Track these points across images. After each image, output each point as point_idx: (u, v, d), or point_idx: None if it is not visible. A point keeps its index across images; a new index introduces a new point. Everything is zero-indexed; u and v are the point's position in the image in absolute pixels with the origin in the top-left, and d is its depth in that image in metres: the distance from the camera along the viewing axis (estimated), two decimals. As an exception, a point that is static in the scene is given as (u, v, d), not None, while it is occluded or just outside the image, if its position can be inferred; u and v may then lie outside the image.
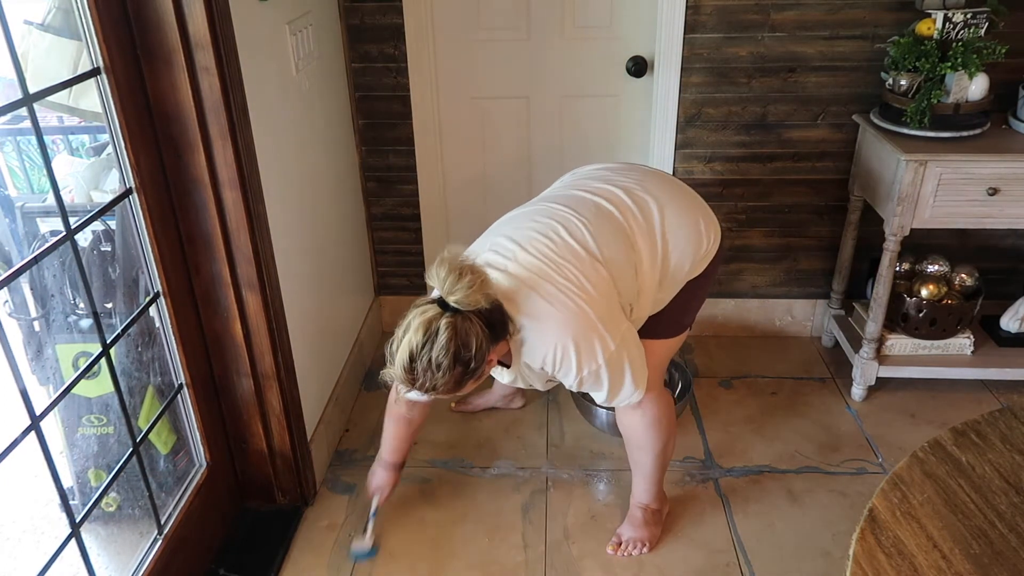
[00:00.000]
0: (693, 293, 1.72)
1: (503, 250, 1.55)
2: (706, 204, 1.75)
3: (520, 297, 1.47)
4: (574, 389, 1.60)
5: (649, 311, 1.67)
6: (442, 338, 1.35)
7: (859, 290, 2.66)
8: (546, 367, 1.53)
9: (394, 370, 1.43)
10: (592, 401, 2.23)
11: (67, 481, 1.81)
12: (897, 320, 2.34)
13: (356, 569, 1.86)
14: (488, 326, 1.40)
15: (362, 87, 2.47)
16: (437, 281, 1.37)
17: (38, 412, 1.30)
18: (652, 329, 1.71)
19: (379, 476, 1.94)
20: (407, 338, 1.39)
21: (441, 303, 1.38)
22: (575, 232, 1.56)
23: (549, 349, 1.49)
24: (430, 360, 1.37)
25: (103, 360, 1.51)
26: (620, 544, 1.88)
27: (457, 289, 1.35)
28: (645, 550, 1.87)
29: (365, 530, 1.92)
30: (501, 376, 1.70)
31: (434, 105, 2.49)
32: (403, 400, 1.83)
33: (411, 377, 1.40)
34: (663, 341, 1.74)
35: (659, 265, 1.62)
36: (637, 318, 1.65)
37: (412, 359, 1.38)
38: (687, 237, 1.65)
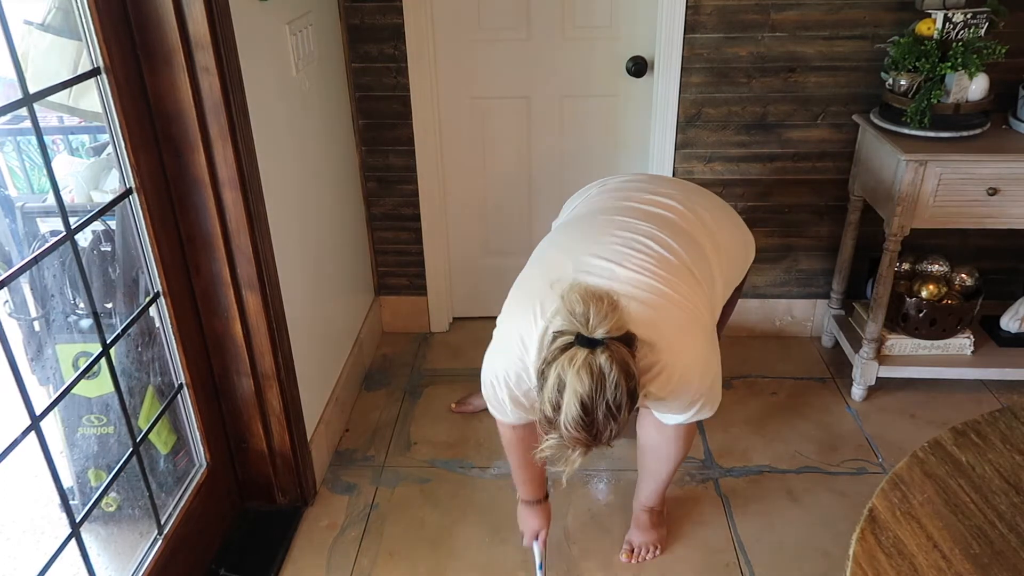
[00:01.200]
0: (731, 302, 1.71)
1: (596, 270, 1.39)
2: (734, 211, 1.77)
3: (649, 318, 1.32)
4: (678, 416, 1.50)
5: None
6: (612, 375, 1.19)
7: (859, 290, 2.66)
8: (686, 390, 1.40)
9: (566, 434, 1.24)
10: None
11: (67, 481, 1.81)
12: (897, 320, 2.34)
13: (356, 569, 1.86)
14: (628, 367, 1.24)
15: (362, 87, 2.47)
16: (574, 318, 1.22)
17: (38, 412, 1.30)
18: None
19: (530, 518, 1.76)
20: (569, 392, 1.19)
21: (582, 341, 1.21)
22: (664, 243, 1.44)
23: (694, 370, 1.38)
24: (608, 404, 1.20)
25: (103, 360, 1.51)
26: (633, 551, 1.87)
27: (604, 320, 1.20)
28: (658, 552, 1.87)
29: None
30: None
31: (434, 105, 2.49)
32: (513, 426, 1.65)
33: (590, 432, 1.23)
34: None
35: (723, 274, 1.57)
36: None
37: (587, 411, 1.20)
38: (736, 245, 1.65)
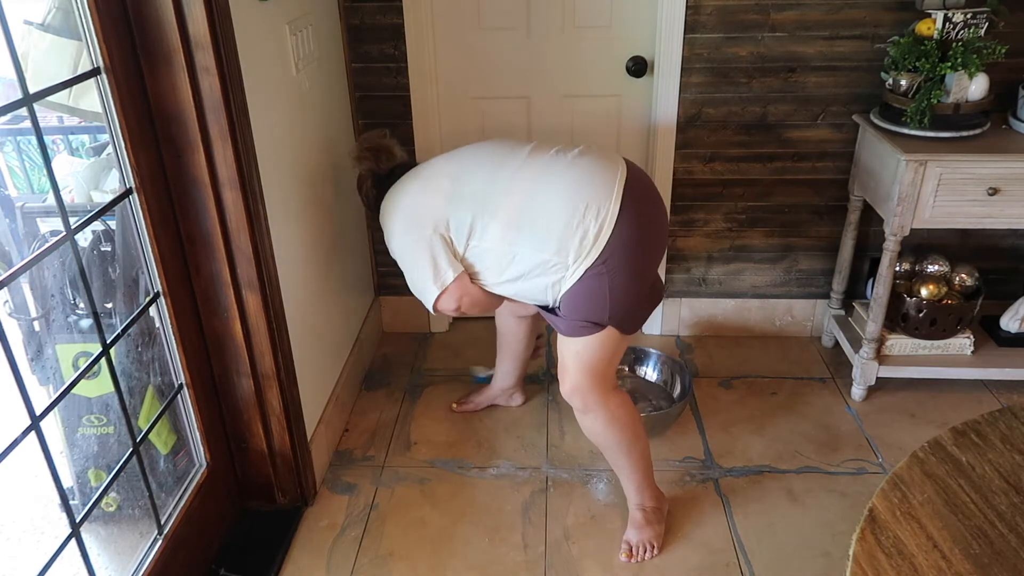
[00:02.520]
0: (590, 290, 1.67)
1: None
2: (615, 197, 1.66)
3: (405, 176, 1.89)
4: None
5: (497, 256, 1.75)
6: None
7: (859, 290, 2.66)
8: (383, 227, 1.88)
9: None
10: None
11: (67, 481, 1.81)
12: (897, 320, 2.34)
13: (356, 569, 1.86)
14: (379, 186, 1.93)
15: (362, 87, 2.47)
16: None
17: (38, 412, 1.30)
18: (559, 324, 1.76)
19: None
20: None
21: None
22: (481, 144, 1.88)
23: (384, 213, 1.88)
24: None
25: (103, 360, 1.51)
26: (632, 551, 1.87)
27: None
28: (655, 551, 1.87)
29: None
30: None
31: (434, 105, 2.49)
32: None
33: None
34: (573, 340, 1.74)
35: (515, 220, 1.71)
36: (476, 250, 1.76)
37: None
38: (564, 206, 1.66)
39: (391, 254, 1.86)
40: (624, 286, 1.68)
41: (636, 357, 2.51)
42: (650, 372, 2.51)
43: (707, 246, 2.66)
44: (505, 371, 2.36)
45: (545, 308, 1.81)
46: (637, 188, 1.70)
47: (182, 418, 1.81)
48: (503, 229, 1.70)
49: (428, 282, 1.76)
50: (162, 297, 1.65)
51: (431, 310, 1.81)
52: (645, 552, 1.86)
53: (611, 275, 1.66)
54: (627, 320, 1.75)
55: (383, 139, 1.96)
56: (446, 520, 2.00)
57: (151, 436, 1.77)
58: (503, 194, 1.71)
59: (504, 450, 2.24)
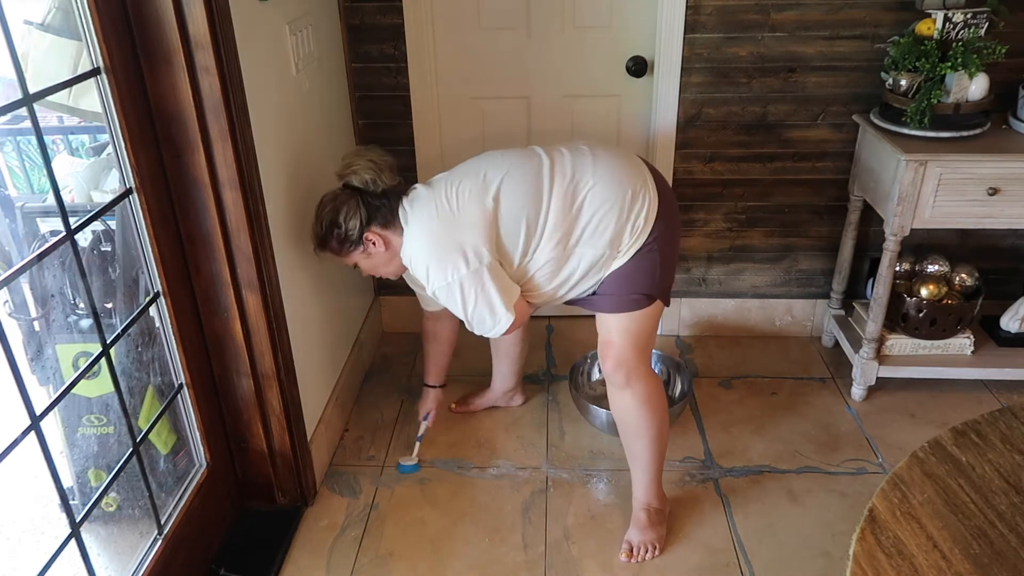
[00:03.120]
0: (642, 265, 1.73)
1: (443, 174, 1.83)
2: (648, 177, 1.75)
3: (412, 203, 1.78)
4: (434, 298, 1.81)
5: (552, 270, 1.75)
6: (325, 204, 1.81)
7: (859, 290, 2.66)
8: (411, 270, 1.80)
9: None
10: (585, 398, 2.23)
11: (67, 481, 1.81)
12: (897, 320, 2.34)
13: (356, 568, 1.86)
14: (368, 207, 1.77)
15: (362, 87, 2.47)
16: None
17: (38, 412, 1.30)
18: (604, 303, 1.78)
19: (426, 399, 2.24)
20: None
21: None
22: (489, 162, 1.76)
23: (408, 253, 1.77)
24: (316, 217, 1.82)
25: (103, 360, 1.51)
26: (632, 551, 1.87)
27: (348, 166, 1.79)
28: (656, 552, 1.87)
29: (413, 449, 2.20)
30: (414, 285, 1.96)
31: (434, 105, 2.49)
32: (426, 315, 2.13)
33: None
34: (622, 315, 1.76)
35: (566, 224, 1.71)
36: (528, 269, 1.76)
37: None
38: (611, 201, 1.68)
39: (431, 291, 1.76)
40: (668, 258, 1.77)
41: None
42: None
43: (707, 246, 2.66)
44: (503, 374, 2.36)
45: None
46: (648, 165, 1.82)
47: (182, 418, 1.81)
48: (557, 243, 1.71)
49: (487, 318, 1.74)
50: (162, 297, 1.65)
51: (494, 336, 1.81)
52: (646, 553, 1.86)
53: (660, 249, 1.73)
54: (668, 291, 1.83)
55: (383, 154, 1.83)
56: (446, 520, 2.00)
57: (151, 436, 1.76)
58: (549, 211, 1.70)
59: (504, 450, 2.24)
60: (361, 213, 1.76)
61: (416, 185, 1.83)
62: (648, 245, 1.71)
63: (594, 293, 1.80)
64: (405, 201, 1.79)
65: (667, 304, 1.82)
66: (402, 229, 1.79)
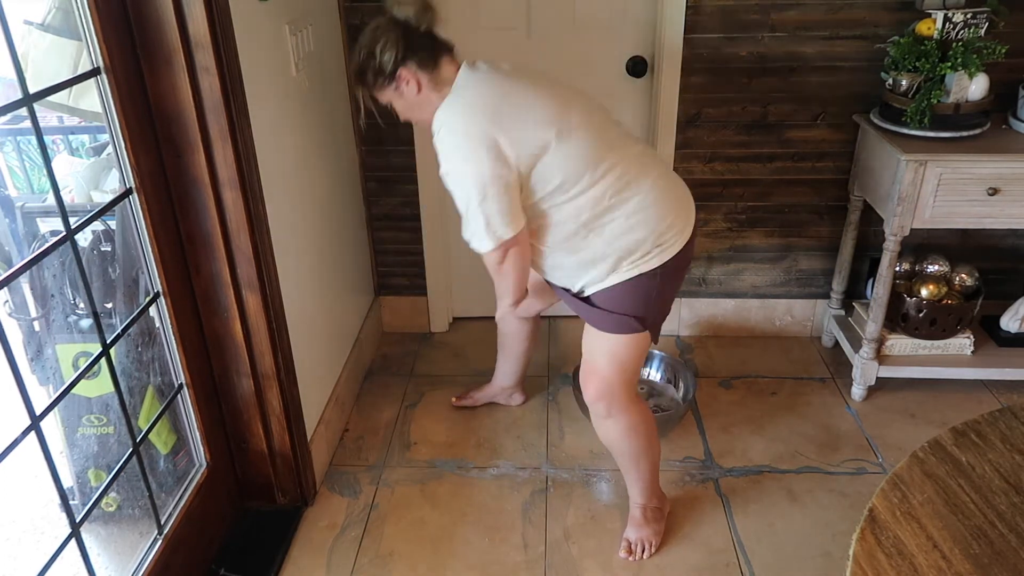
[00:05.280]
0: (639, 288, 1.66)
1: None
2: (690, 224, 1.71)
3: (472, 72, 1.63)
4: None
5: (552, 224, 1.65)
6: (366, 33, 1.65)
7: (859, 290, 2.66)
8: (435, 137, 1.62)
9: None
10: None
11: (67, 481, 1.81)
12: (897, 320, 2.34)
13: (356, 569, 1.86)
14: (407, 43, 1.60)
15: (362, 87, 2.47)
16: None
17: (38, 412, 1.30)
18: (595, 316, 1.72)
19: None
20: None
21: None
22: (579, 103, 1.65)
23: (444, 117, 1.60)
24: (355, 45, 1.68)
25: (103, 360, 1.51)
26: (631, 548, 1.88)
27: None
28: (652, 550, 1.88)
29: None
30: None
31: (434, 105, 2.49)
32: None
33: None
34: (609, 337, 1.71)
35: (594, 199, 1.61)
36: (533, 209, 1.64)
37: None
38: (649, 218, 1.62)
39: (442, 171, 1.61)
40: (666, 294, 1.72)
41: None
42: (653, 372, 2.50)
43: (707, 246, 2.66)
44: (505, 371, 2.36)
45: (573, 295, 1.76)
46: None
47: (182, 418, 1.81)
48: (579, 215, 1.61)
49: (481, 225, 1.58)
50: (162, 297, 1.65)
51: (475, 249, 1.64)
52: (644, 550, 1.87)
53: (661, 282, 1.67)
54: (658, 327, 1.76)
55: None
56: (446, 520, 2.00)
57: (151, 436, 1.77)
58: (593, 186, 1.59)
59: (504, 450, 2.24)
60: (399, 47, 1.60)
61: (481, 63, 1.67)
62: (653, 272, 1.65)
63: (587, 299, 1.72)
64: (466, 65, 1.64)
65: (655, 340, 1.77)
66: (443, 83, 1.62)
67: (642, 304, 1.68)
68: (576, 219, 1.62)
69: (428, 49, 1.62)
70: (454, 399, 2.42)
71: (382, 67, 1.62)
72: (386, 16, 1.64)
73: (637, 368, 1.79)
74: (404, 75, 1.62)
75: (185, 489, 1.79)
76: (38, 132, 1.31)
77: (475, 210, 1.57)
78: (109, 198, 1.53)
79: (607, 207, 1.61)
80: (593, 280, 1.69)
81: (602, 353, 1.74)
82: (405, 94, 1.65)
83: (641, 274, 1.65)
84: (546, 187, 1.59)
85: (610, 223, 1.62)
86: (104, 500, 1.79)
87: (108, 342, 1.51)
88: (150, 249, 1.60)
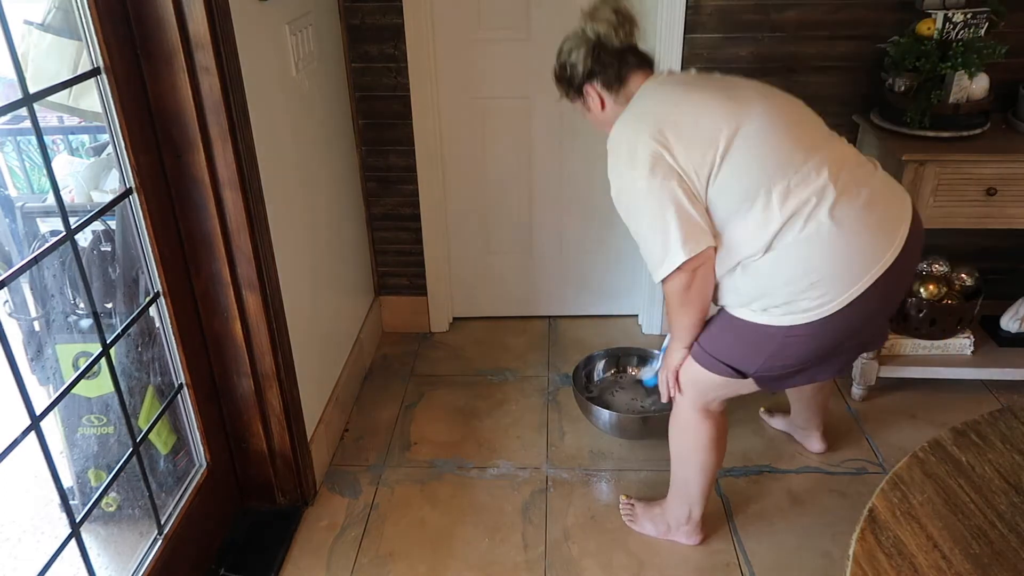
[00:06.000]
0: (749, 337, 1.50)
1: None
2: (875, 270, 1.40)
3: (647, 88, 1.59)
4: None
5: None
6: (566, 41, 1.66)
7: (859, 290, 2.65)
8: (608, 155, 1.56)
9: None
10: (591, 401, 2.22)
11: (67, 481, 1.81)
12: (897, 320, 2.34)
13: (356, 569, 1.86)
14: (596, 60, 1.60)
15: (362, 87, 2.47)
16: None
17: (38, 412, 1.30)
18: (696, 351, 1.61)
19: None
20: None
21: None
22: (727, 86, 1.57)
23: (613, 134, 1.55)
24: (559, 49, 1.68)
25: (103, 360, 1.51)
26: (631, 503, 1.95)
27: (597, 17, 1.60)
28: (632, 522, 1.94)
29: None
30: None
31: (434, 105, 2.49)
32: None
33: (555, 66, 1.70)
34: (694, 365, 1.62)
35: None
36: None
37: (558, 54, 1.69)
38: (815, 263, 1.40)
39: (613, 193, 1.53)
40: (797, 355, 1.49)
41: (640, 358, 2.51)
42: (653, 373, 2.50)
43: (707, 246, 2.65)
44: (799, 412, 2.18)
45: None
46: (899, 267, 1.43)
47: (182, 418, 1.81)
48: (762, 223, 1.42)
49: (657, 246, 1.46)
50: (162, 297, 1.65)
51: (655, 279, 1.51)
52: (626, 515, 1.96)
53: (788, 342, 1.47)
54: (777, 381, 1.59)
55: (630, 7, 1.63)
56: (446, 520, 2.00)
57: (151, 436, 1.77)
58: (789, 186, 1.41)
59: (504, 450, 2.24)
60: (586, 63, 1.61)
61: (666, 73, 1.66)
62: (777, 328, 1.45)
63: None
64: (650, 78, 1.60)
65: (771, 391, 1.60)
66: (625, 99, 1.59)
67: (747, 357, 1.53)
68: (753, 242, 1.44)
69: (616, 67, 1.60)
70: (762, 409, 2.31)
71: (571, 81, 1.65)
72: (581, 29, 1.63)
73: (721, 398, 1.68)
74: (589, 91, 1.64)
75: (185, 489, 1.79)
76: (38, 132, 1.31)
77: (646, 232, 1.48)
78: (109, 198, 1.53)
79: (777, 231, 1.41)
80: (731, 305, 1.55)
81: (687, 374, 1.65)
82: (592, 108, 1.67)
83: (757, 323, 1.47)
84: (727, 202, 1.44)
85: (767, 255, 1.43)
86: (104, 500, 1.79)
87: (108, 342, 1.51)
88: (150, 249, 1.60)
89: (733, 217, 1.45)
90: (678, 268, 1.45)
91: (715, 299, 1.58)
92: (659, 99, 1.54)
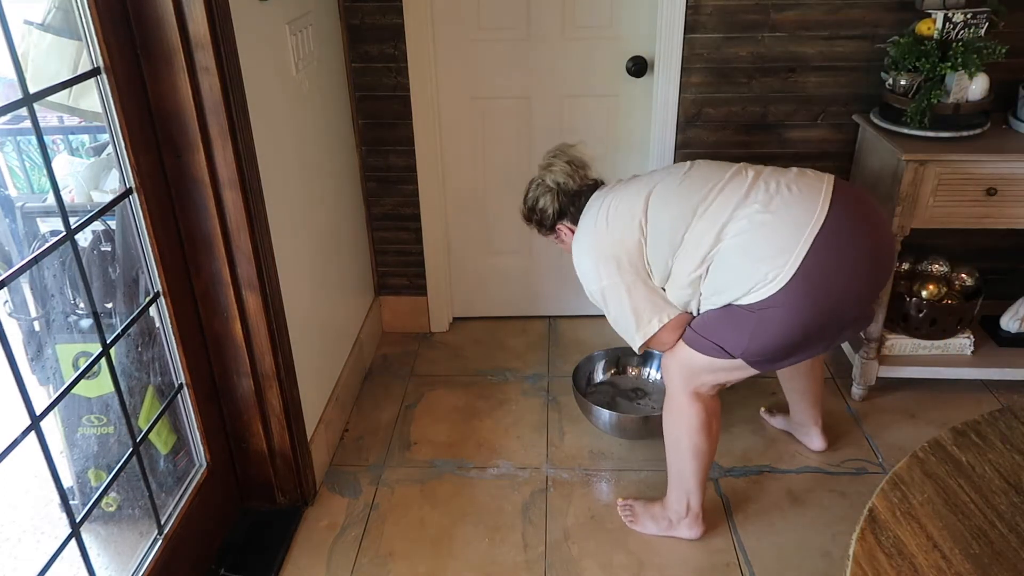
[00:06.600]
0: (732, 318, 1.64)
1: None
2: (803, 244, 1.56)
3: (588, 207, 1.86)
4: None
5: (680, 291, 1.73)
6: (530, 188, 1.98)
7: (859, 290, 2.65)
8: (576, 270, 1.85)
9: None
10: (591, 403, 2.23)
11: (67, 481, 1.81)
12: (897, 320, 2.34)
13: (356, 569, 1.86)
14: (561, 203, 1.91)
15: (362, 87, 2.47)
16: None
17: (38, 412, 1.30)
18: (688, 334, 1.75)
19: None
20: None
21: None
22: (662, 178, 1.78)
23: (574, 254, 1.85)
24: (523, 195, 2.00)
25: (103, 360, 1.51)
26: (630, 504, 1.97)
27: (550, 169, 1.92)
28: (632, 522, 1.95)
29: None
30: None
31: (434, 105, 2.49)
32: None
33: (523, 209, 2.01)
34: (686, 348, 1.74)
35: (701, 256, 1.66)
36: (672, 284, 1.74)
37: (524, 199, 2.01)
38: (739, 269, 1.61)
39: (588, 292, 1.82)
40: (778, 332, 1.61)
41: (641, 358, 2.51)
42: (654, 373, 2.50)
43: (707, 246, 2.65)
44: (795, 408, 2.22)
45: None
46: (838, 227, 1.57)
47: (182, 418, 1.81)
48: (693, 261, 1.67)
49: (630, 325, 1.75)
50: (162, 297, 1.65)
51: (637, 348, 1.79)
52: (626, 515, 1.96)
53: (764, 316, 1.60)
54: (767, 361, 1.68)
55: (582, 155, 1.94)
56: (446, 520, 2.00)
57: (151, 436, 1.77)
58: (696, 230, 1.65)
59: (504, 450, 2.24)
60: (554, 207, 1.91)
61: (601, 188, 1.90)
62: (748, 306, 1.61)
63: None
64: (591, 199, 1.88)
65: (762, 371, 1.69)
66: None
67: (733, 336, 1.65)
68: (698, 262, 1.67)
69: (578, 203, 1.89)
70: (762, 408, 2.35)
71: (543, 220, 1.95)
72: (541, 179, 1.94)
73: (713, 382, 1.76)
74: (561, 228, 1.94)
75: (185, 489, 1.79)
76: (38, 132, 1.31)
77: (623, 314, 1.75)
78: (109, 198, 1.53)
79: (699, 260, 1.66)
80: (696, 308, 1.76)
81: (677, 358, 1.77)
82: (564, 239, 1.96)
83: (732, 305, 1.64)
84: (660, 258, 1.71)
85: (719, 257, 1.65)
86: (104, 500, 1.79)
87: (108, 342, 1.51)
88: (150, 249, 1.60)
89: (676, 256, 1.69)
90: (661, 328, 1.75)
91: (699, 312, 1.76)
92: (595, 207, 1.81)
